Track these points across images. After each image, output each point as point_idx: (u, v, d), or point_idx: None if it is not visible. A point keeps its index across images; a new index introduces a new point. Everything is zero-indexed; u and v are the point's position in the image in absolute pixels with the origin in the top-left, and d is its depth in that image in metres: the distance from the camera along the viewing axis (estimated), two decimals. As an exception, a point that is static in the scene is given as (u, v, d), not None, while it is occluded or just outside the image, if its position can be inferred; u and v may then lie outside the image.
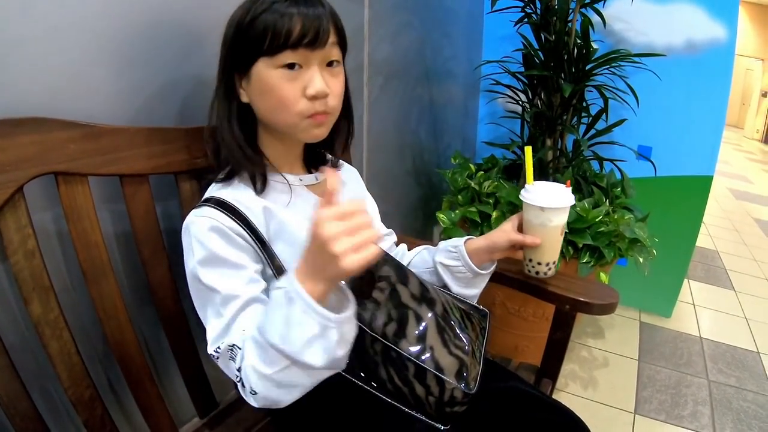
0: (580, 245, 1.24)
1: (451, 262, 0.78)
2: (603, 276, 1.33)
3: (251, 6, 0.56)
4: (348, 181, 0.78)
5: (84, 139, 0.59)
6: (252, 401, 0.54)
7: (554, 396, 0.86)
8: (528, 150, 0.76)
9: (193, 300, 0.60)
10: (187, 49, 0.75)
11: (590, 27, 1.27)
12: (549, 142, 1.41)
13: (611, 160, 1.47)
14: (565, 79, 1.29)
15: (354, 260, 0.45)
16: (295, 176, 0.69)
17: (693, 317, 2.01)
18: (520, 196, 0.74)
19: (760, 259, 2.75)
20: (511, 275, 0.85)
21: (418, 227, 1.80)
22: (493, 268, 0.80)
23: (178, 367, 0.75)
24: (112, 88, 0.67)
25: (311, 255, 0.48)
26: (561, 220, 0.73)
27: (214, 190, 0.63)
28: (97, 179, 0.63)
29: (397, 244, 0.87)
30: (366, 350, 0.61)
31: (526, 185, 0.75)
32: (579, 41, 1.29)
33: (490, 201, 1.35)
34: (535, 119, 1.42)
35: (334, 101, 0.62)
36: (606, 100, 1.33)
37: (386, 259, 0.71)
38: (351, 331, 0.52)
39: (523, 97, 1.47)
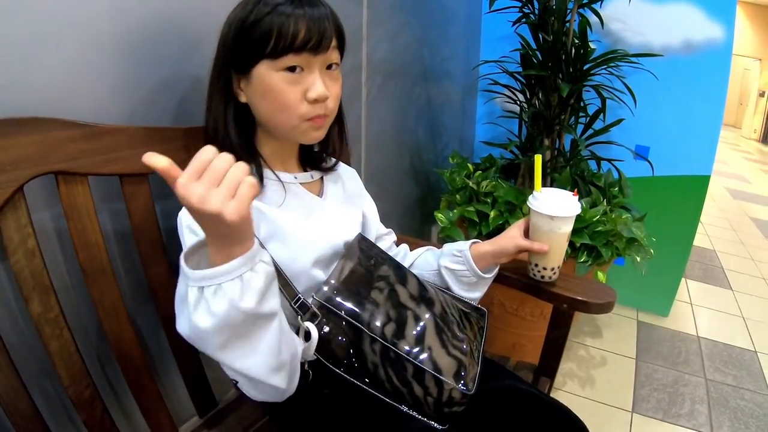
0: (578, 244, 1.25)
1: (455, 266, 0.78)
2: (600, 275, 1.34)
3: (254, 7, 0.56)
4: (347, 181, 0.78)
5: (84, 138, 0.60)
6: (245, 392, 0.54)
7: (552, 395, 0.86)
8: (538, 158, 0.78)
9: None
10: (185, 49, 0.75)
11: (588, 27, 1.28)
12: (547, 142, 1.41)
13: (609, 160, 1.47)
14: (562, 79, 1.30)
15: (234, 207, 0.40)
16: (290, 175, 0.69)
17: (690, 316, 2.02)
18: (528, 203, 0.76)
19: (757, 259, 2.77)
20: (510, 275, 0.85)
21: (416, 227, 1.80)
22: (495, 271, 0.81)
23: (178, 367, 0.76)
24: (111, 88, 0.67)
25: (205, 230, 0.44)
26: (568, 227, 0.75)
27: None
28: (96, 179, 0.63)
29: (397, 244, 0.87)
30: (365, 351, 0.61)
31: (534, 192, 0.76)
32: (577, 41, 1.30)
33: (488, 200, 1.35)
34: (533, 119, 1.42)
35: (333, 104, 0.62)
36: (604, 100, 1.33)
37: (385, 258, 0.71)
38: (218, 297, 0.44)
39: (521, 96, 1.47)
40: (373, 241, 0.79)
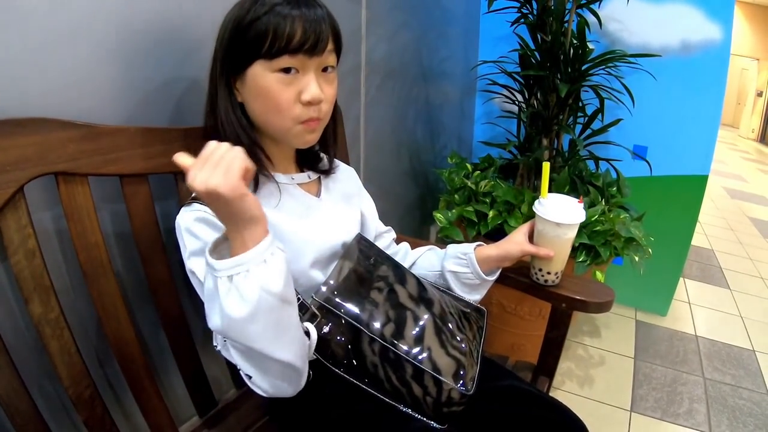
0: (576, 244, 1.25)
1: (459, 269, 0.79)
2: (599, 275, 1.34)
3: (251, 6, 0.56)
4: (345, 180, 0.79)
5: (84, 139, 0.60)
6: (255, 388, 0.55)
7: (551, 394, 0.87)
8: (546, 166, 0.79)
9: (199, 294, 0.60)
10: (184, 51, 0.76)
11: (586, 27, 1.28)
12: (545, 142, 1.42)
13: (607, 160, 1.48)
14: (561, 79, 1.30)
15: (223, 179, 0.43)
16: (287, 176, 0.69)
17: (689, 316, 2.02)
18: (534, 209, 0.77)
19: (755, 258, 2.77)
20: (509, 275, 0.85)
21: (415, 226, 1.80)
22: (497, 274, 0.82)
23: (178, 367, 0.76)
24: (111, 89, 0.68)
25: (218, 217, 0.49)
26: (573, 233, 0.77)
27: None
28: (96, 179, 0.63)
29: (397, 243, 0.87)
30: (364, 351, 0.61)
31: (540, 199, 0.78)
32: (575, 41, 1.30)
33: (487, 200, 1.36)
34: (531, 119, 1.43)
35: (327, 107, 0.62)
36: (602, 100, 1.34)
37: (384, 258, 0.71)
38: (249, 281, 0.46)
39: (519, 97, 1.48)
40: (372, 239, 0.79)
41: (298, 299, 0.60)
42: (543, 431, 0.65)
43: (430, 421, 0.63)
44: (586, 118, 1.41)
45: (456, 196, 1.42)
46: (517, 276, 0.85)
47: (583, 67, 1.29)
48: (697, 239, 2.80)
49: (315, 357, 0.60)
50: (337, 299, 0.62)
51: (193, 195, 0.62)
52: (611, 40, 1.61)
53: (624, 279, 1.77)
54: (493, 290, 0.84)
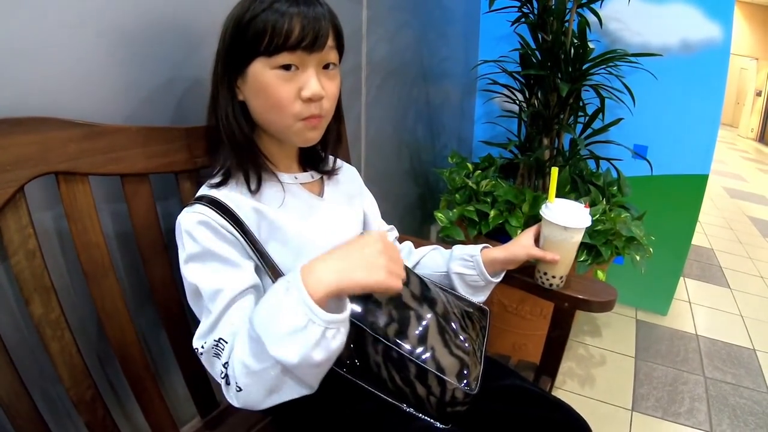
0: (578, 243, 1.25)
1: (466, 271, 0.79)
2: (600, 274, 1.34)
3: (251, 4, 0.56)
4: (347, 180, 0.78)
5: (84, 138, 0.59)
6: (234, 400, 0.54)
7: (552, 393, 0.86)
8: (554, 171, 0.80)
9: (187, 296, 0.60)
10: (186, 50, 0.75)
11: (587, 27, 1.28)
12: (546, 141, 1.41)
13: (608, 159, 1.48)
14: (562, 78, 1.30)
15: (392, 278, 0.52)
16: (290, 175, 0.69)
17: (689, 315, 2.03)
18: (541, 213, 0.78)
19: (754, 257, 2.78)
20: (512, 274, 0.85)
21: (415, 226, 1.80)
22: (502, 275, 0.82)
23: (179, 367, 0.75)
24: (112, 88, 0.67)
25: (351, 253, 0.52)
26: (579, 237, 0.78)
27: (206, 190, 0.63)
28: (97, 179, 0.63)
29: (399, 241, 0.87)
30: (367, 350, 0.61)
31: (546, 203, 0.79)
32: (576, 41, 1.30)
33: (488, 200, 1.35)
34: (532, 118, 1.42)
35: (329, 104, 0.62)
36: (602, 100, 1.33)
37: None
38: (336, 339, 0.50)
39: (520, 96, 1.47)
40: None
41: None
42: (547, 431, 0.65)
43: (433, 421, 0.62)
44: (587, 118, 1.41)
45: (457, 195, 1.42)
46: (521, 276, 0.85)
47: (584, 67, 1.29)
48: (697, 238, 2.80)
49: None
50: (341, 299, 0.62)
51: (197, 195, 0.62)
52: (611, 40, 1.61)
53: (624, 278, 1.77)
54: (494, 290, 0.84)
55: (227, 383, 0.54)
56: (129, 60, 0.68)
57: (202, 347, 0.56)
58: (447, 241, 1.31)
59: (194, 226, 0.57)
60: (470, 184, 1.39)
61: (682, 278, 2.23)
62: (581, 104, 1.39)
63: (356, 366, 0.61)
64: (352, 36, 1.17)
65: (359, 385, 0.61)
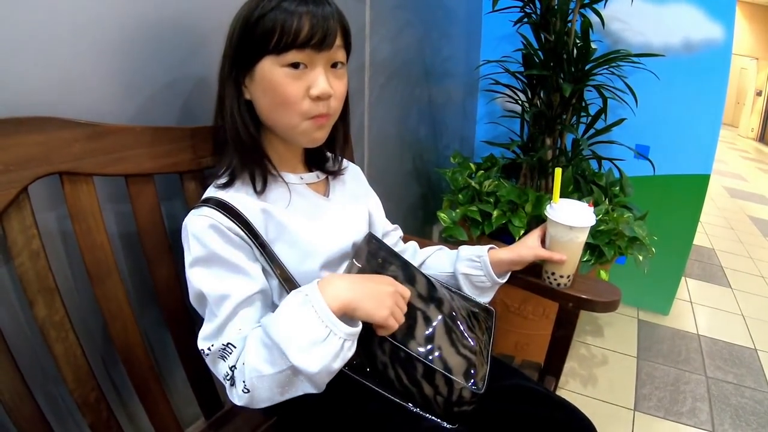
0: (581, 244, 1.24)
1: (473, 272, 0.79)
2: (603, 274, 1.34)
3: (260, 3, 0.55)
4: (352, 180, 0.78)
5: (89, 138, 0.59)
6: (237, 399, 0.55)
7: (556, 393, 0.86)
8: (558, 171, 0.81)
9: (190, 297, 0.60)
10: (191, 49, 0.75)
11: (590, 27, 1.27)
12: (548, 142, 1.41)
13: (610, 159, 1.48)
14: (564, 78, 1.29)
15: (392, 321, 0.57)
16: (296, 175, 0.68)
17: (690, 315, 2.03)
18: (546, 213, 0.79)
19: (755, 257, 2.78)
20: (517, 275, 0.85)
21: (418, 226, 1.80)
22: (507, 276, 0.82)
23: (183, 368, 0.75)
24: (116, 88, 0.67)
25: (367, 283, 0.57)
26: (584, 236, 0.78)
27: (213, 192, 0.62)
28: (102, 179, 0.63)
29: (404, 242, 0.87)
30: (374, 351, 0.61)
31: (551, 203, 0.80)
32: (578, 41, 1.30)
33: (491, 200, 1.35)
34: (534, 119, 1.42)
35: (336, 103, 0.62)
36: (605, 100, 1.33)
37: (393, 257, 0.71)
38: (351, 350, 0.54)
39: (522, 96, 1.47)
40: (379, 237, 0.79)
41: None
42: (552, 431, 0.65)
43: (440, 421, 0.62)
44: (590, 118, 1.40)
45: (460, 195, 1.42)
46: (525, 276, 0.85)
47: (587, 67, 1.29)
48: (698, 238, 2.80)
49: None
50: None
51: (204, 197, 0.62)
52: (614, 40, 1.61)
53: (626, 278, 1.77)
54: (497, 290, 0.84)
55: (232, 384, 0.54)
56: (134, 59, 0.68)
57: (209, 349, 0.57)
58: (450, 242, 1.31)
59: (203, 230, 0.57)
60: (473, 184, 1.39)
61: (683, 278, 2.23)
62: (584, 104, 1.39)
63: (363, 366, 0.61)
64: (355, 36, 1.16)
65: (366, 385, 0.61)
